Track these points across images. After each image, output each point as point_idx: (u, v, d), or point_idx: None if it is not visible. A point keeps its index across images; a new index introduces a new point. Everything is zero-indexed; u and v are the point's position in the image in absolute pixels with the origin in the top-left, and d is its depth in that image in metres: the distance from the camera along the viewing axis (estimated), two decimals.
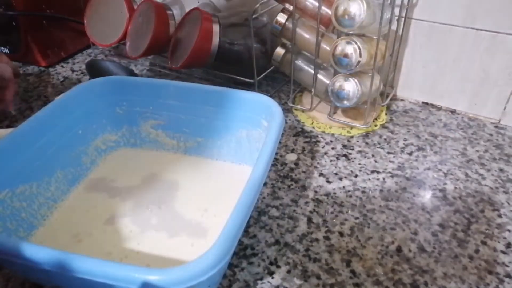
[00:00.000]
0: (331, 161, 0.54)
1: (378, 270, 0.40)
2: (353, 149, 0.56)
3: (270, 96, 0.58)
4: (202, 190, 0.48)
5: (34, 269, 0.30)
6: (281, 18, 0.58)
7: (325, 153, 0.55)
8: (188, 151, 0.53)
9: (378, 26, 0.50)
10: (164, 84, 0.51)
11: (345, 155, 0.55)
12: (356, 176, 0.51)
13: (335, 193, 0.48)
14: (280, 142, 0.56)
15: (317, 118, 0.61)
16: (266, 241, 0.43)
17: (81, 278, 0.29)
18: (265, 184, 0.50)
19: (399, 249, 0.42)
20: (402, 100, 0.66)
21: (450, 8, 0.56)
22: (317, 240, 0.43)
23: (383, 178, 0.51)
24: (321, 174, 0.51)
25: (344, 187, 0.49)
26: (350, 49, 0.51)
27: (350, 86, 0.54)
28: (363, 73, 0.56)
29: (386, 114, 0.62)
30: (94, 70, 0.70)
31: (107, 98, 0.51)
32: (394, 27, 0.56)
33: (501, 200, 0.47)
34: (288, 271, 0.40)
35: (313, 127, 0.60)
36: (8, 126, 0.61)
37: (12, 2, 0.71)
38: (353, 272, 0.40)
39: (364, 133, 0.58)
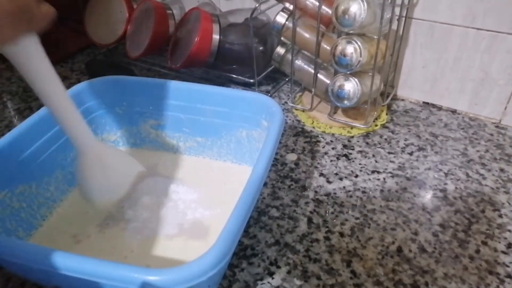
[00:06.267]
0: (331, 161, 0.53)
1: (379, 270, 0.40)
2: (353, 149, 0.55)
3: (270, 96, 0.58)
4: (202, 190, 0.48)
5: (33, 270, 0.30)
6: (281, 17, 0.58)
7: (326, 153, 0.55)
8: (188, 151, 0.53)
9: (378, 26, 0.50)
10: (164, 84, 0.50)
11: (345, 155, 0.54)
12: (356, 176, 0.51)
13: (335, 193, 0.48)
14: (280, 142, 0.56)
15: (317, 118, 0.61)
16: (266, 242, 0.43)
17: (81, 278, 0.29)
18: (265, 184, 0.50)
19: (399, 250, 0.42)
20: (402, 100, 0.66)
21: (450, 7, 0.56)
22: (317, 240, 0.43)
23: (384, 178, 0.50)
24: (321, 174, 0.51)
25: (344, 187, 0.49)
26: (351, 48, 0.51)
27: (350, 86, 0.54)
28: (364, 73, 0.56)
29: (386, 114, 0.62)
30: (94, 70, 0.70)
31: (106, 98, 0.51)
32: (394, 26, 0.56)
33: (502, 200, 0.47)
34: (288, 272, 0.40)
35: (313, 127, 0.60)
36: (7, 126, 0.61)
37: None
38: (353, 272, 0.39)
39: (364, 133, 0.58)
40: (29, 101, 0.67)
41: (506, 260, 0.40)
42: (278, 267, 0.40)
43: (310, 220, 0.45)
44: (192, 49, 0.63)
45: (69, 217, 0.45)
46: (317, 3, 0.53)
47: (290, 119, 0.62)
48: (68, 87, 0.49)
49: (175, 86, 0.50)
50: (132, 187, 0.43)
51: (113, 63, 0.71)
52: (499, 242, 0.42)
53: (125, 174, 0.44)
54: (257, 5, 0.60)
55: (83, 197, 0.42)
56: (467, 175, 0.51)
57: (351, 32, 0.51)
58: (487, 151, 0.55)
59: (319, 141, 0.57)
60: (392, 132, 0.59)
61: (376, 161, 0.53)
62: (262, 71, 0.67)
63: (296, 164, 0.53)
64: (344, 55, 0.51)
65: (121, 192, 0.43)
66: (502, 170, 0.51)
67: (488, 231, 0.43)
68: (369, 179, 0.50)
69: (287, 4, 0.58)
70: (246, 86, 0.69)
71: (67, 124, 0.38)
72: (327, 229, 0.44)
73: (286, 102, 0.66)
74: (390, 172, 0.51)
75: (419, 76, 0.63)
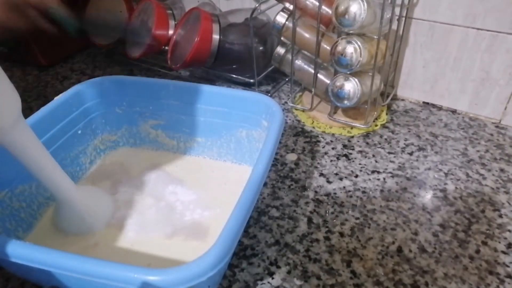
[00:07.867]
0: (331, 161, 0.53)
1: (379, 270, 0.40)
2: (353, 149, 0.55)
3: (270, 96, 0.58)
4: (202, 190, 0.48)
5: (33, 270, 0.30)
6: (281, 17, 0.58)
7: (326, 153, 0.55)
8: (188, 151, 0.53)
9: (378, 26, 0.50)
10: (164, 84, 0.50)
11: (345, 155, 0.54)
12: (356, 176, 0.51)
13: (335, 193, 0.48)
14: (280, 142, 0.56)
15: (317, 118, 0.61)
16: (266, 242, 0.43)
17: (81, 278, 0.29)
18: (265, 184, 0.50)
19: (399, 250, 0.42)
20: (402, 100, 0.66)
21: (450, 7, 0.56)
22: (317, 240, 0.43)
23: (384, 178, 0.50)
24: (321, 174, 0.51)
25: (344, 187, 0.49)
26: (351, 48, 0.51)
27: (350, 86, 0.54)
28: (364, 73, 0.56)
29: (386, 114, 0.62)
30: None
31: (106, 98, 0.51)
32: (394, 26, 0.56)
33: (502, 200, 0.47)
34: (288, 272, 0.40)
35: (313, 127, 0.60)
36: None
37: None
38: (353, 272, 0.39)
39: (364, 133, 0.58)
40: (29, 101, 0.67)
41: (506, 260, 0.40)
42: (278, 267, 0.40)
43: (310, 220, 0.45)
44: (192, 49, 0.63)
45: None
46: (317, 3, 0.53)
47: (290, 119, 0.62)
48: (68, 87, 0.49)
49: (175, 86, 0.50)
50: (113, 210, 0.45)
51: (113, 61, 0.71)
52: (499, 242, 0.42)
53: (105, 202, 0.46)
54: (257, 5, 0.60)
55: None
56: (467, 175, 0.51)
57: (351, 32, 0.51)
58: (487, 151, 0.55)
59: (319, 141, 0.57)
60: (392, 132, 0.59)
61: (376, 161, 0.53)
62: (262, 71, 0.67)
63: (296, 164, 0.53)
64: (344, 55, 0.51)
65: (107, 216, 0.45)
66: (502, 170, 0.51)
67: (488, 231, 0.43)
68: (369, 179, 0.50)
69: (287, 4, 0.58)
70: (246, 86, 0.69)
71: (51, 185, 0.39)
72: (327, 229, 0.44)
73: (286, 102, 0.66)
74: (390, 172, 0.51)
75: (419, 76, 0.63)
